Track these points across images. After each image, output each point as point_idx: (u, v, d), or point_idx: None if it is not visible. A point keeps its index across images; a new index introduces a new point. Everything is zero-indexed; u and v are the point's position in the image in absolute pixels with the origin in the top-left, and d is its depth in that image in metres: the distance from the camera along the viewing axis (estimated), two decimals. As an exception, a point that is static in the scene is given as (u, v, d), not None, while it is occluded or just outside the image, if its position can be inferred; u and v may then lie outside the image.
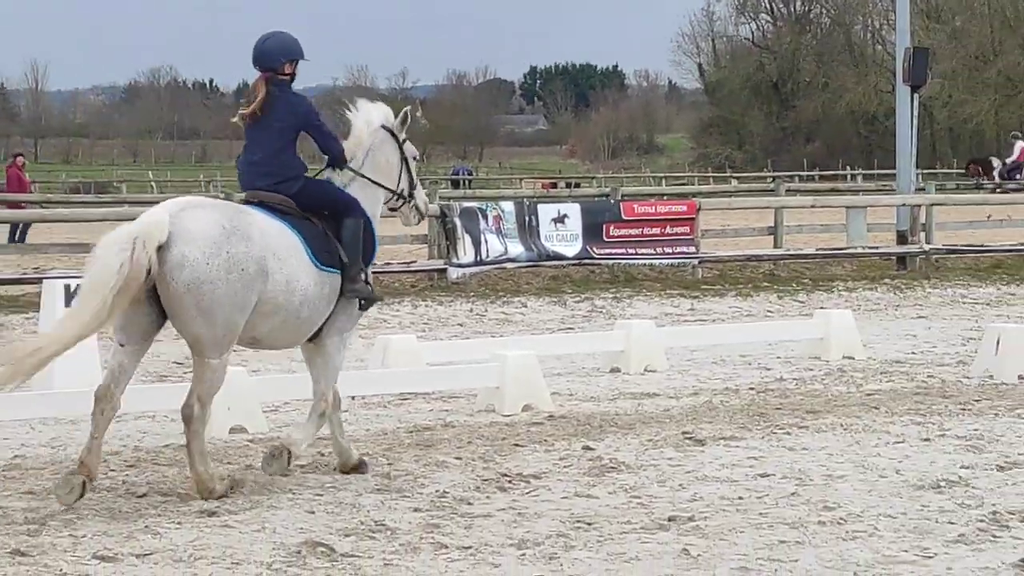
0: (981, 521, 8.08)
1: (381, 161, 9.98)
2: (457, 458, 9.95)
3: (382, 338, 13.92)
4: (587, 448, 10.27)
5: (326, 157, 9.84)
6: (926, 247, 25.27)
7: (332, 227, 9.53)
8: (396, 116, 10.10)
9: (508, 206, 22.97)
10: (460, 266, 22.09)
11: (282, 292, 9.08)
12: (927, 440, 10.50)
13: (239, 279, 8.83)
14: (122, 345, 8.91)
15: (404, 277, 22.43)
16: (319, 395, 9.60)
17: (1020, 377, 13.22)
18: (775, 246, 24.95)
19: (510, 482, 9.21)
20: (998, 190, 39.46)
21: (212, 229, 8.82)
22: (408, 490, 9.01)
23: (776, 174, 65.17)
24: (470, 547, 7.67)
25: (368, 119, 10.02)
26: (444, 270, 22.16)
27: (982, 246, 26.11)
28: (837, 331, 15.08)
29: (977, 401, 12.19)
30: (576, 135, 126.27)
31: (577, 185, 59.41)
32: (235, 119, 9.68)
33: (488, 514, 8.40)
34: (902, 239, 25.54)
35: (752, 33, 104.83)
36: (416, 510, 8.50)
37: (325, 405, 9.55)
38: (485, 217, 22.38)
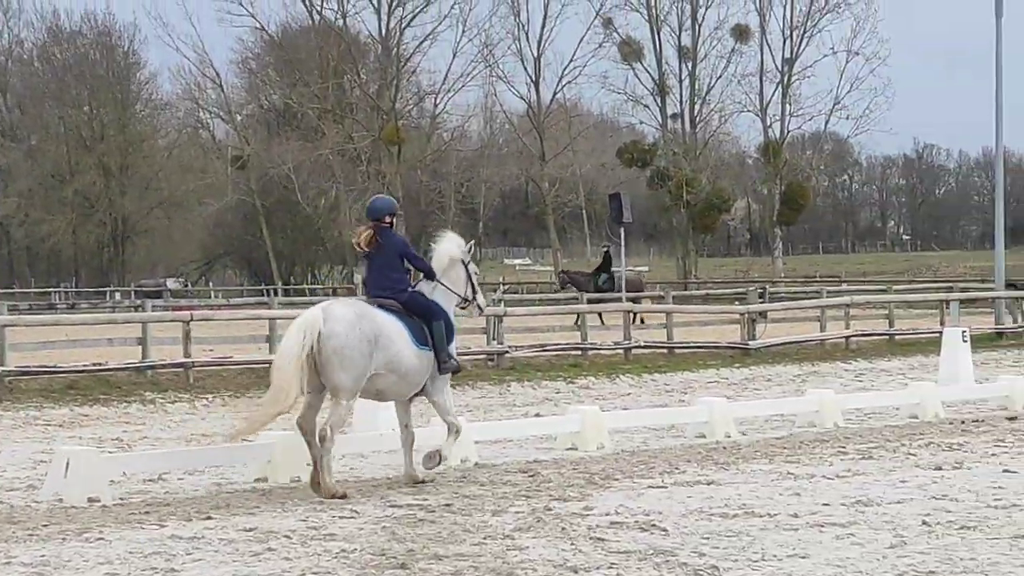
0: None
1: (453, 276, 14.89)
2: None
3: None
4: None
5: (421, 273, 14.78)
6: (-2, 369, 24.72)
7: (426, 324, 14.29)
8: (465, 246, 15.12)
9: None
10: None
11: (393, 360, 13.89)
12: (-16, 572, 10.10)
13: (367, 347, 13.65)
14: (307, 393, 13.74)
15: None
16: (451, 424, 14.64)
17: (90, 500, 13.08)
18: None
19: None
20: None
21: (350, 315, 13.75)
22: None
23: None
24: None
25: (447, 248, 14.97)
26: None
27: (55, 367, 25.88)
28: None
29: (45, 526, 11.91)
30: None
31: None
32: (358, 246, 14.57)
33: None
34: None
35: None
36: None
37: (457, 425, 14.74)
38: None
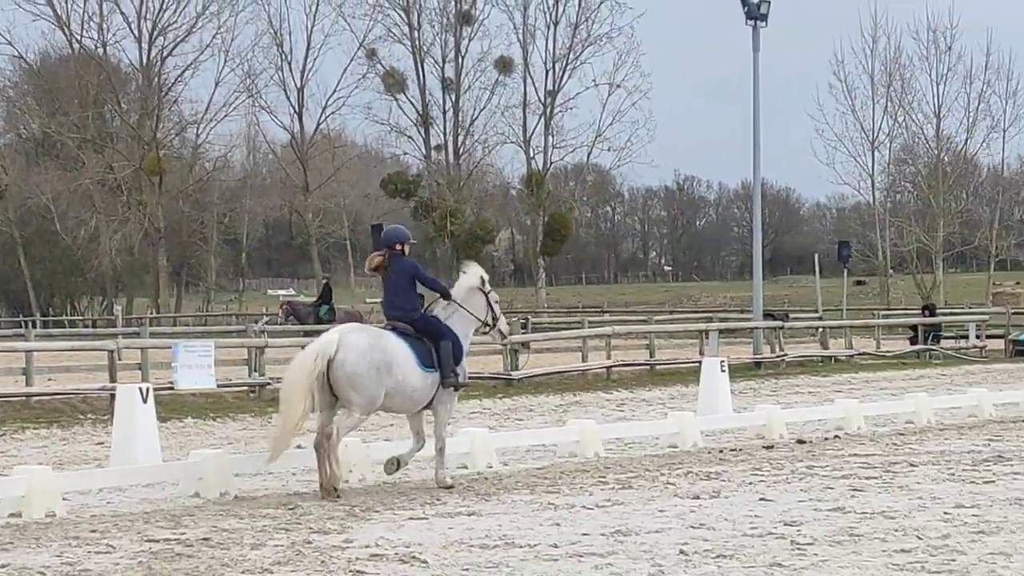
0: None
1: (472, 302, 16.47)
2: None
3: None
4: None
5: (437, 293, 16.30)
6: None
7: (434, 344, 15.81)
8: (485, 276, 16.70)
9: None
10: None
11: (399, 383, 15.48)
12: None
13: (376, 373, 15.27)
14: (320, 411, 15.37)
15: None
16: (439, 438, 16.22)
17: None
18: None
19: None
20: None
21: (362, 343, 15.32)
22: None
23: None
24: None
25: (466, 280, 16.53)
26: None
27: None
28: None
29: None
30: None
31: None
32: (368, 271, 16.48)
33: None
34: None
35: None
36: None
37: (443, 443, 16.27)
38: None
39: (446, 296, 16.32)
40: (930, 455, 19.02)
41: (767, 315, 45.33)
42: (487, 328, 16.75)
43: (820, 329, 46.01)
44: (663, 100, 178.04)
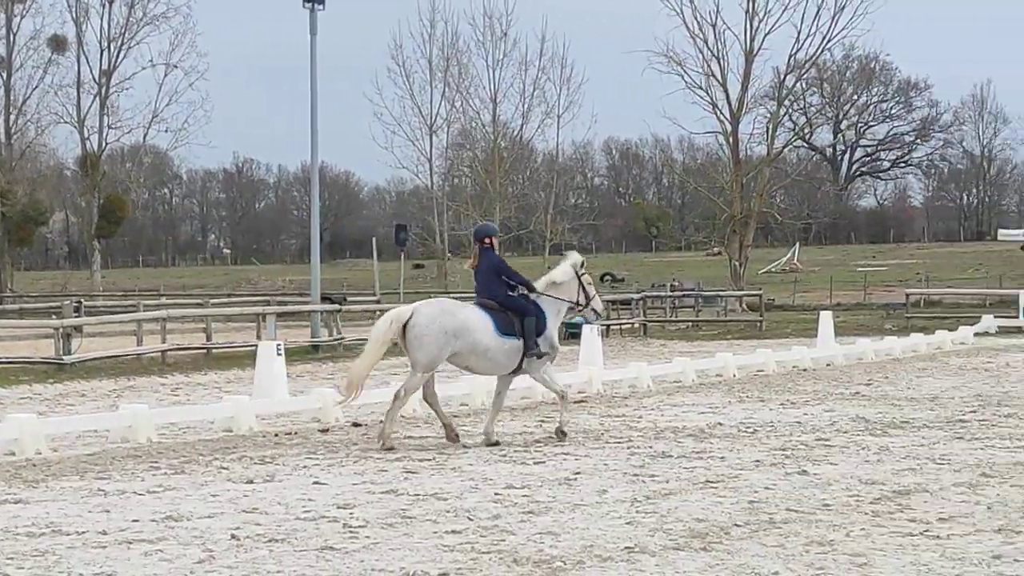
0: None
1: (564, 285, 18.92)
2: None
3: None
4: None
5: (521, 287, 18.61)
6: None
7: (519, 318, 18.22)
8: (580, 262, 19.11)
9: None
10: None
11: (469, 345, 18.00)
12: None
13: (442, 337, 17.85)
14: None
15: None
16: (559, 394, 18.93)
17: None
18: None
19: None
20: None
21: (433, 311, 18.02)
22: None
23: None
24: None
25: (565, 264, 19.04)
26: None
27: None
28: None
29: None
30: None
31: None
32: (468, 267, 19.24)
33: None
34: None
35: None
36: None
37: (562, 392, 18.96)
38: None
39: (530, 289, 18.59)
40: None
41: (325, 298, 45.42)
42: (580, 308, 19.27)
43: (378, 312, 46.37)
44: (221, 82, 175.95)
